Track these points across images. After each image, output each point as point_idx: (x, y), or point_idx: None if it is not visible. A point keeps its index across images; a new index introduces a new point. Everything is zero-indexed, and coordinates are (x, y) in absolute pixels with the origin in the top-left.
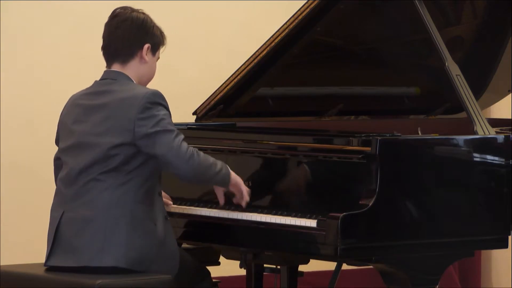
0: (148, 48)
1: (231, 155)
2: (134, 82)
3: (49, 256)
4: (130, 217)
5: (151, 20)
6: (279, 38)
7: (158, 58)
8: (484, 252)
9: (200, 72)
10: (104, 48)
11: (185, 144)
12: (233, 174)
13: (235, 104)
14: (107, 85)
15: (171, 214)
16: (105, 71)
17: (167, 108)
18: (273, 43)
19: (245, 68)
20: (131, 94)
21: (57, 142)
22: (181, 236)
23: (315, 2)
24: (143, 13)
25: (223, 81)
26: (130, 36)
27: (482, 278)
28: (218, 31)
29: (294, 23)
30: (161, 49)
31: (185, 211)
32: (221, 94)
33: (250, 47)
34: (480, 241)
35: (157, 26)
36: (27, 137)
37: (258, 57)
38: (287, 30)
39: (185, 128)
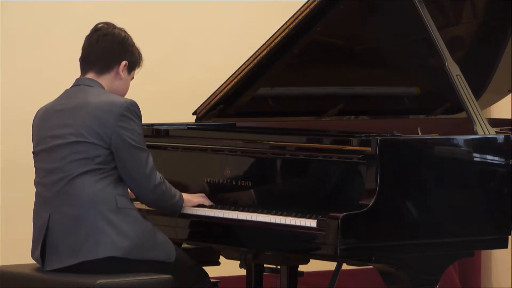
0: (125, 65)
1: (231, 155)
2: None
3: (43, 262)
4: (116, 208)
5: (131, 39)
6: (279, 38)
7: (133, 78)
8: (484, 252)
9: (200, 72)
10: (82, 59)
11: (155, 170)
12: (185, 203)
13: (235, 104)
14: (82, 91)
15: None
16: (77, 79)
17: (141, 120)
18: (273, 43)
19: (245, 68)
20: (109, 100)
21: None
22: (181, 236)
23: (315, 2)
24: (125, 31)
25: (223, 81)
26: (110, 50)
27: (482, 278)
28: (218, 31)
29: (294, 23)
30: (137, 71)
31: (185, 211)
32: (221, 94)
33: (250, 47)
34: (480, 241)
35: (137, 46)
36: (27, 137)
37: (258, 57)
38: (287, 30)
39: (185, 128)
